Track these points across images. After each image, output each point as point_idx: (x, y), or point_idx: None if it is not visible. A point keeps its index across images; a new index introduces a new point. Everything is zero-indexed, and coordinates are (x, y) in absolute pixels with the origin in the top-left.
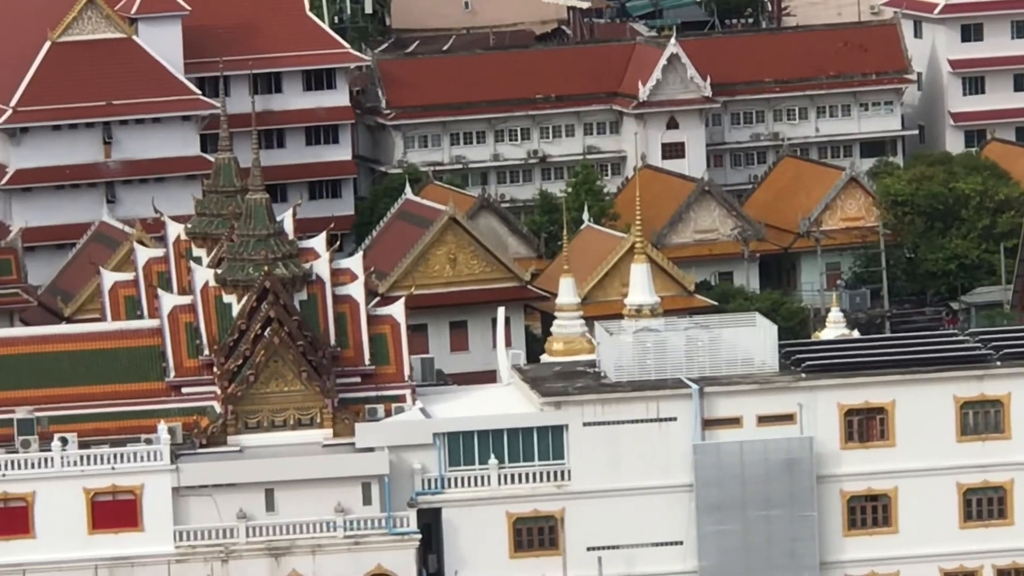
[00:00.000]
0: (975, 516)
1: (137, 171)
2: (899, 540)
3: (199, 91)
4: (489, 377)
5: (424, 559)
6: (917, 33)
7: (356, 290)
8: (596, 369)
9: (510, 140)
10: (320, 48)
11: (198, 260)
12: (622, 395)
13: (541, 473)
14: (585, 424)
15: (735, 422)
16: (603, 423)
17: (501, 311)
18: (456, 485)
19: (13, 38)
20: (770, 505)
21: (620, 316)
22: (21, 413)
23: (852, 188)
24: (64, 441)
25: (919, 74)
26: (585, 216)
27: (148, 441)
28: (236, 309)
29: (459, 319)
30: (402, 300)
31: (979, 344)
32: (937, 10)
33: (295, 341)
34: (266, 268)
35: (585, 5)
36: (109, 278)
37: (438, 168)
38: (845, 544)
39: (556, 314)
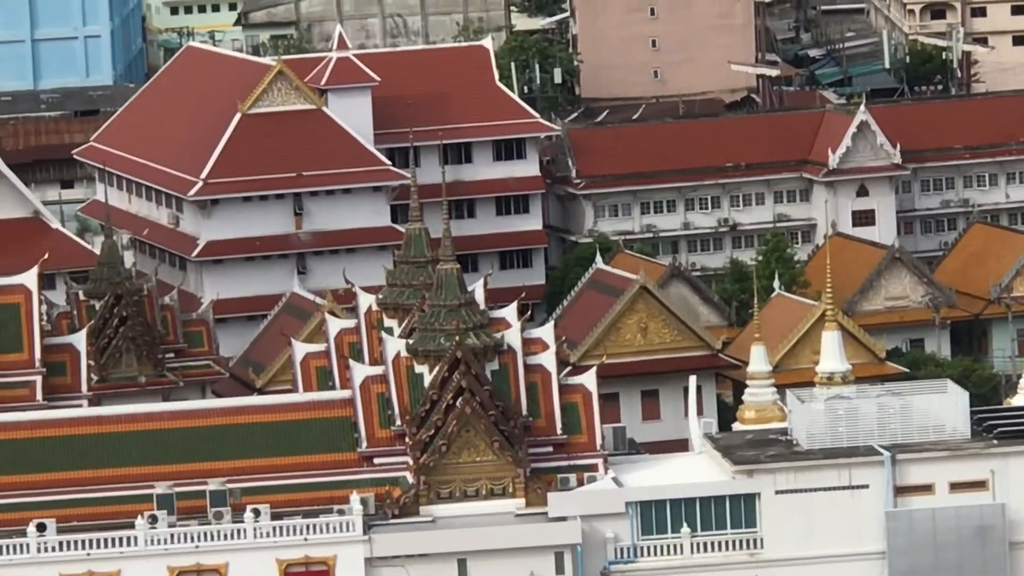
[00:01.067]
0: None
1: (328, 242)
2: None
3: (389, 162)
4: (681, 446)
5: None
6: None
7: (548, 359)
8: (788, 437)
9: (700, 208)
10: (510, 118)
11: (389, 331)
12: (814, 463)
13: (734, 541)
14: (777, 492)
15: (927, 489)
16: (795, 491)
17: (692, 380)
18: (649, 554)
19: (204, 110)
20: (962, 572)
21: (811, 384)
22: (214, 485)
23: None
24: (257, 512)
25: None
26: (776, 284)
27: (341, 512)
28: (428, 379)
29: (650, 388)
30: (594, 369)
31: None
32: None
33: (487, 411)
34: (457, 338)
35: (774, 73)
36: (301, 349)
37: (628, 237)
38: None
39: (747, 382)
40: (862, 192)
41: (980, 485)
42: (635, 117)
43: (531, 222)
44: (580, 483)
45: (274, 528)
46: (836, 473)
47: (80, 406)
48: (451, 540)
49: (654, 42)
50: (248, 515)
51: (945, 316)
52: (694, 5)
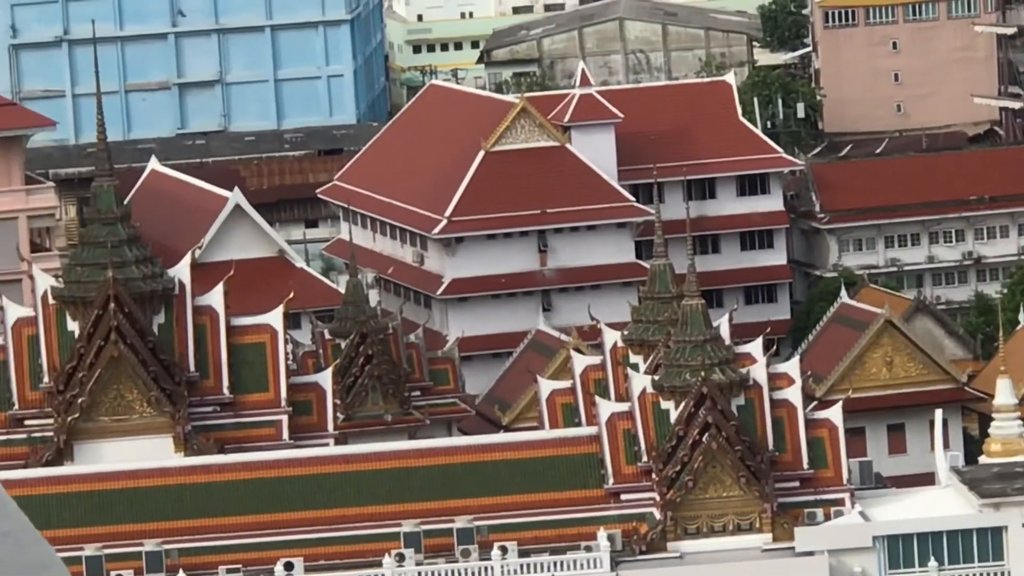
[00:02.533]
0: None
1: (572, 279)
2: None
3: (633, 198)
4: (927, 479)
5: None
6: None
7: (793, 394)
8: None
9: (944, 242)
10: (753, 153)
11: (635, 367)
12: None
13: (981, 575)
14: None
15: None
16: None
17: (939, 413)
18: None
19: (447, 148)
20: None
21: None
22: (461, 522)
23: None
24: (504, 550)
25: None
26: (1021, 316)
27: (588, 548)
28: (674, 415)
29: (896, 422)
30: (839, 403)
31: None
32: None
33: (733, 446)
34: (703, 374)
35: (1017, 106)
36: (546, 386)
37: (873, 271)
38: None
39: (993, 415)
40: None
41: None
42: (878, 151)
43: (775, 257)
44: (827, 518)
45: (522, 565)
46: None
47: (326, 444)
48: (699, 575)
49: (897, 76)
50: (495, 552)
51: None
52: (936, 38)
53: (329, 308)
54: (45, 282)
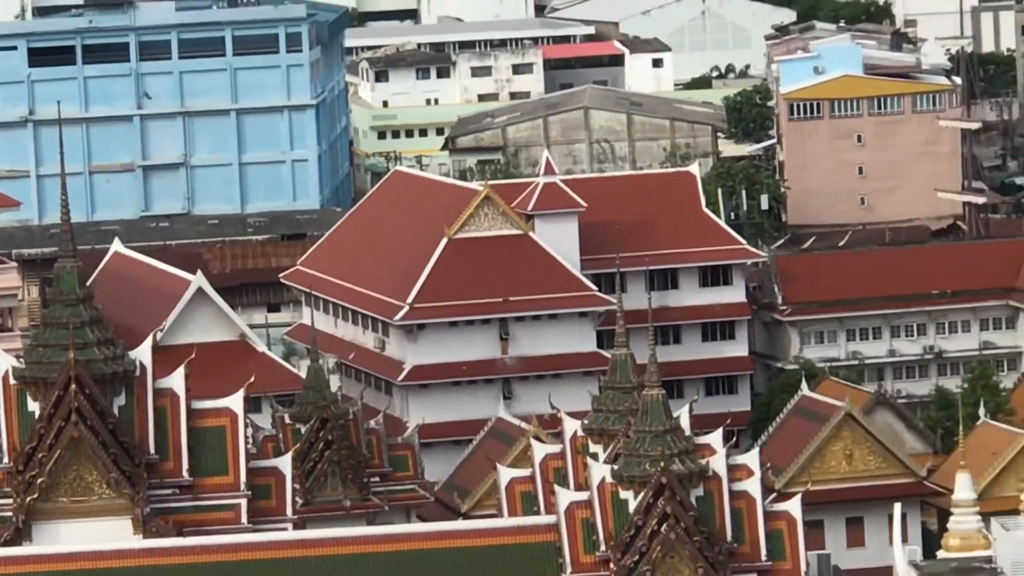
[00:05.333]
0: None
1: (533, 367)
2: None
3: (596, 287)
4: (885, 573)
5: None
6: None
7: (753, 486)
8: (993, 566)
9: (906, 336)
10: (716, 244)
11: (595, 456)
12: None
13: None
14: None
15: None
16: None
17: (898, 507)
18: None
19: (410, 235)
20: None
21: (1016, 512)
22: None
23: None
24: None
25: None
26: (981, 412)
27: None
28: (633, 505)
29: (855, 515)
30: (799, 496)
31: None
32: None
33: (691, 536)
34: (663, 464)
35: (981, 201)
36: (506, 474)
37: (834, 364)
38: None
39: (952, 510)
40: None
41: None
42: (841, 244)
43: (737, 348)
44: None
45: None
46: None
47: (285, 529)
48: None
49: (861, 169)
50: None
51: None
52: (901, 132)
53: (290, 393)
54: (6, 362)
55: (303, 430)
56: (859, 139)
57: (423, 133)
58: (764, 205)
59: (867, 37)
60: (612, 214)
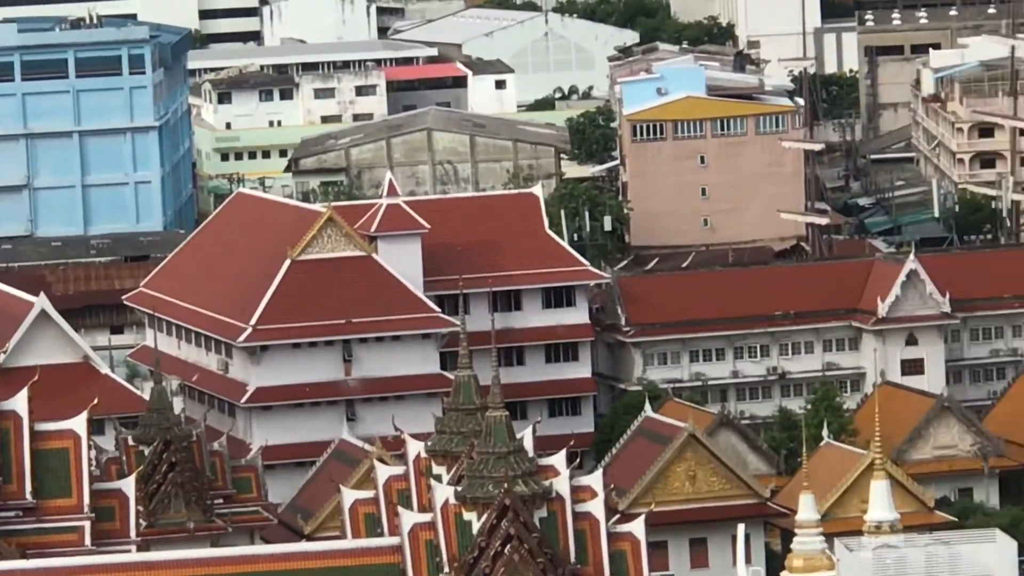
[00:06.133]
0: None
1: (377, 389)
2: None
3: (439, 309)
4: None
5: None
6: None
7: (596, 507)
8: None
9: (749, 357)
10: (559, 266)
11: (438, 478)
12: None
13: None
14: None
15: None
16: None
17: (741, 528)
18: None
19: (254, 257)
20: None
21: (860, 532)
22: None
23: None
24: None
25: None
26: (824, 433)
27: None
28: (476, 526)
29: (699, 536)
30: (642, 517)
31: None
32: None
33: (535, 558)
34: (506, 485)
35: (824, 222)
36: (349, 496)
37: (677, 385)
38: None
39: (796, 531)
40: (911, 341)
41: None
42: (684, 265)
43: (580, 370)
44: None
45: None
46: None
47: (128, 551)
48: None
49: (704, 190)
50: None
51: (994, 465)
52: (744, 154)
53: (133, 415)
54: None
55: (147, 452)
56: (702, 160)
57: (266, 155)
58: (607, 226)
59: (710, 58)
60: (455, 236)
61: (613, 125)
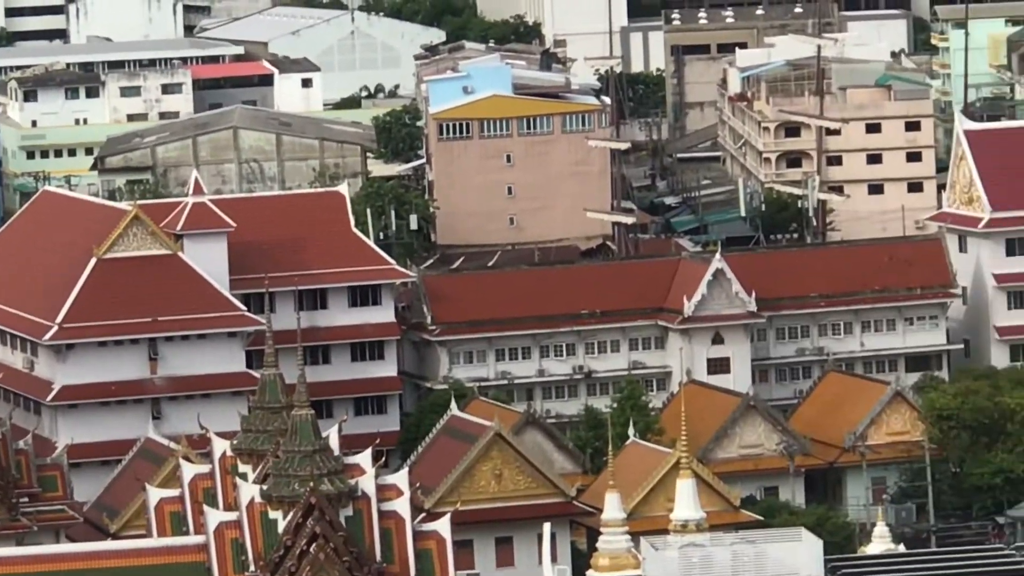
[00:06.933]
0: None
1: (183, 387)
2: None
3: (244, 307)
4: None
5: None
6: (962, 248)
7: (402, 506)
8: None
9: (555, 356)
10: (365, 264)
11: (244, 476)
12: None
13: None
14: None
15: None
16: None
17: (547, 527)
18: None
19: (59, 255)
20: None
21: (666, 531)
22: None
23: (897, 403)
24: None
25: (964, 288)
26: (630, 431)
27: None
28: (282, 525)
29: (505, 535)
30: (448, 516)
31: None
32: (981, 224)
33: (341, 557)
34: (311, 484)
35: (630, 221)
36: (155, 494)
37: (483, 384)
38: None
39: (602, 529)
40: (717, 340)
41: None
42: (490, 264)
43: (386, 368)
44: None
45: None
46: None
47: None
48: None
49: (510, 189)
50: None
51: (800, 464)
52: (550, 152)
53: None
54: None
55: None
56: (508, 159)
57: (72, 153)
58: (413, 225)
59: (516, 57)
60: (261, 234)
61: (419, 124)
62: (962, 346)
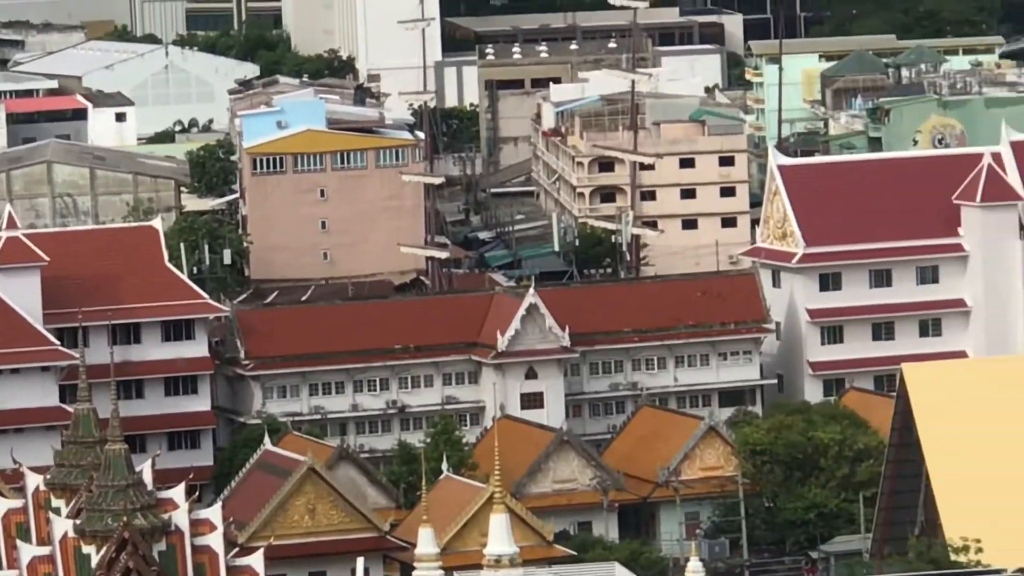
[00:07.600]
0: None
1: None
2: None
3: (58, 342)
4: None
5: None
6: (775, 283)
7: (215, 540)
8: None
9: (369, 390)
10: (179, 299)
11: (57, 511)
12: None
13: None
14: None
15: None
16: None
17: (360, 561)
18: None
19: None
20: None
21: (479, 566)
22: None
23: (711, 438)
24: None
25: (777, 323)
26: (444, 466)
27: None
28: (95, 560)
29: (318, 569)
30: (261, 551)
31: None
32: (795, 260)
33: None
34: (125, 519)
35: (444, 255)
36: None
37: (297, 418)
38: None
39: (415, 564)
40: (531, 375)
41: None
42: (304, 298)
43: (200, 403)
44: None
45: None
46: None
47: None
48: None
49: (324, 224)
50: None
51: (613, 499)
52: (364, 187)
53: None
54: None
55: None
56: (322, 194)
57: None
58: (227, 259)
59: (330, 92)
60: (75, 269)
61: (233, 158)
62: (776, 381)
